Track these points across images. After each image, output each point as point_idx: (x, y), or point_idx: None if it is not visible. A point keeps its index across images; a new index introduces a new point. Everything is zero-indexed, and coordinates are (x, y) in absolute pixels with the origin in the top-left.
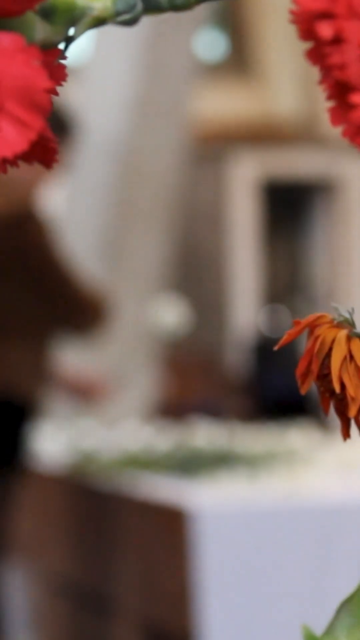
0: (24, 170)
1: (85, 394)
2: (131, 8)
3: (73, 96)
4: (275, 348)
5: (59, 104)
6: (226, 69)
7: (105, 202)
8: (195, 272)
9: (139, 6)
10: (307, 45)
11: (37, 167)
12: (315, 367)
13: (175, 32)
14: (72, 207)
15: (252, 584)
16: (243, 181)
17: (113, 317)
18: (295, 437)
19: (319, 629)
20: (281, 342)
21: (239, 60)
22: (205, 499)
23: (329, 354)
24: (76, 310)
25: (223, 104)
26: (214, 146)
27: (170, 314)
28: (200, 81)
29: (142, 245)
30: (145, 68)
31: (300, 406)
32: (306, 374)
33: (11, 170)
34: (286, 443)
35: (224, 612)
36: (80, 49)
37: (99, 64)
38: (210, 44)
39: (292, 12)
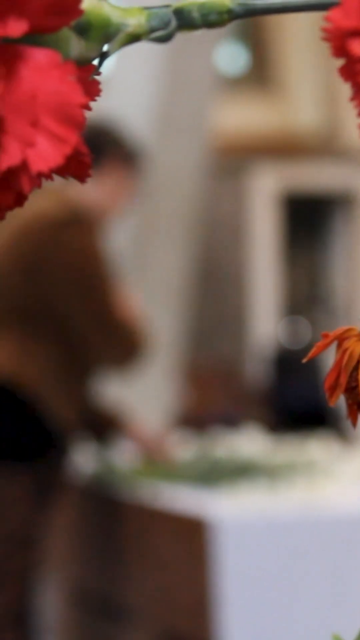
0: (99, 194)
1: (153, 452)
2: (165, 25)
3: (94, 110)
4: (304, 361)
5: (128, 136)
6: (247, 82)
7: (126, 214)
8: (216, 284)
9: (173, 23)
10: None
11: (112, 195)
12: (343, 380)
13: (197, 45)
14: None
15: (272, 594)
16: (263, 194)
17: (149, 346)
18: (315, 448)
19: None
20: (310, 354)
21: (260, 74)
22: (226, 509)
23: (357, 367)
24: (112, 339)
25: (244, 117)
26: (235, 159)
27: (252, 443)
28: (221, 94)
29: (163, 257)
30: (167, 81)
31: (319, 418)
32: (334, 386)
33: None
34: (306, 454)
35: (243, 623)
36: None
37: (120, 78)
38: (231, 57)
39: (324, 30)
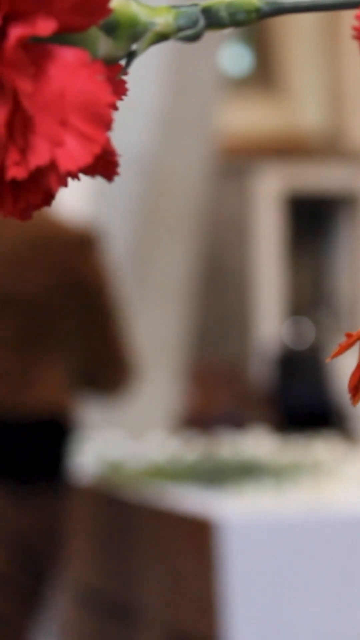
0: None
1: None
2: (193, 24)
3: None
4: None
5: None
6: (251, 83)
7: (131, 215)
8: (220, 285)
9: (201, 22)
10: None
11: None
12: None
13: (200, 46)
14: (98, 221)
15: (278, 594)
16: (267, 194)
17: (137, 379)
18: (320, 449)
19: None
20: (332, 354)
21: (264, 74)
22: (231, 510)
23: None
24: (111, 362)
25: (248, 117)
26: (239, 160)
27: (257, 444)
28: (225, 95)
29: (167, 257)
30: (171, 82)
31: (324, 418)
32: (357, 387)
33: None
34: (311, 455)
35: (250, 623)
36: None
37: (125, 79)
38: (235, 58)
39: (354, 28)
